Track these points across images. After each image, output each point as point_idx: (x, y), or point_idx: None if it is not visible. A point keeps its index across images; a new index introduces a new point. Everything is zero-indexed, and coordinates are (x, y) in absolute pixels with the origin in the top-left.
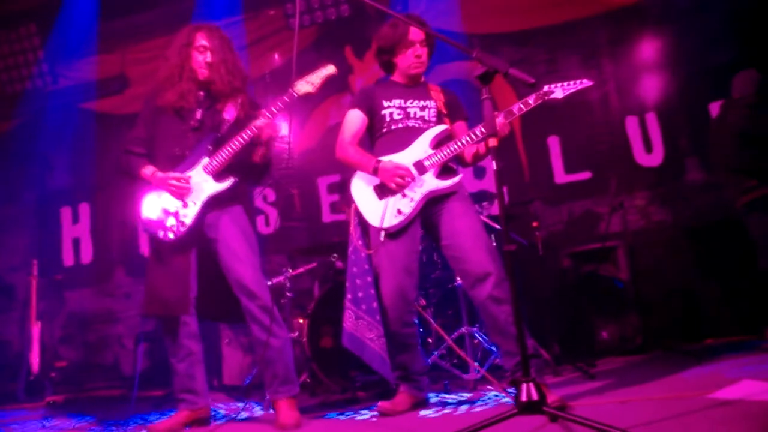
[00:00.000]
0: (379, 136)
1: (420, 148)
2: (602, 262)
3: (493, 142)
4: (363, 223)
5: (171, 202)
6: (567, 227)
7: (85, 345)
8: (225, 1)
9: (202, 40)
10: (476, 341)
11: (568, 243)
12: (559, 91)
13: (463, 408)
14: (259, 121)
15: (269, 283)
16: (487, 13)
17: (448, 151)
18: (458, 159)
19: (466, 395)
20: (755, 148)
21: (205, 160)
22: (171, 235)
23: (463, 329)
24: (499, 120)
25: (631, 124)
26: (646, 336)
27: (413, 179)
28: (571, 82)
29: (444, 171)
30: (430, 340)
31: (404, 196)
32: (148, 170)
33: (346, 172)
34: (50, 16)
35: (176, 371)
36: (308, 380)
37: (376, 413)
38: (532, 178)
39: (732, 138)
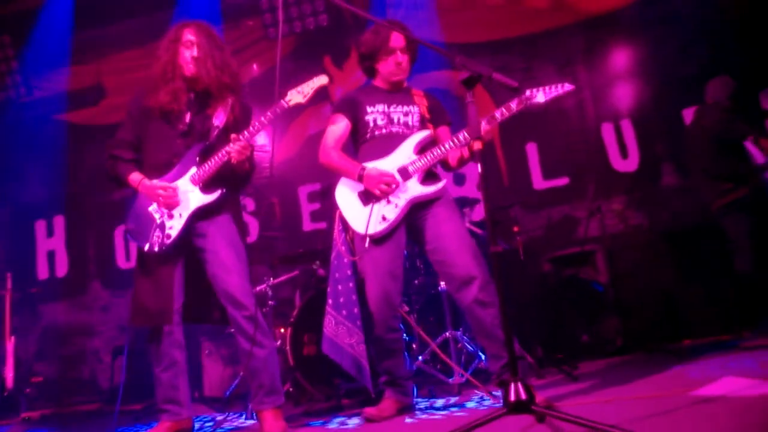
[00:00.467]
0: (362, 142)
1: (404, 154)
2: (582, 266)
3: (478, 145)
4: (347, 230)
5: (157, 213)
6: (546, 232)
7: (61, 359)
8: (204, 10)
9: (189, 36)
10: (460, 345)
11: (548, 248)
12: (540, 96)
13: (450, 412)
14: (230, 147)
15: None
16: (465, 22)
17: (432, 156)
18: (443, 164)
19: (451, 399)
20: (730, 152)
21: (193, 170)
22: (156, 249)
23: (447, 334)
24: (483, 125)
25: (607, 130)
26: (626, 338)
27: (398, 186)
28: (553, 87)
29: (428, 177)
30: (414, 346)
31: (389, 202)
32: (136, 177)
33: (328, 180)
34: (24, 26)
35: (159, 381)
36: (291, 389)
37: (361, 420)
38: (511, 184)
39: (707, 142)
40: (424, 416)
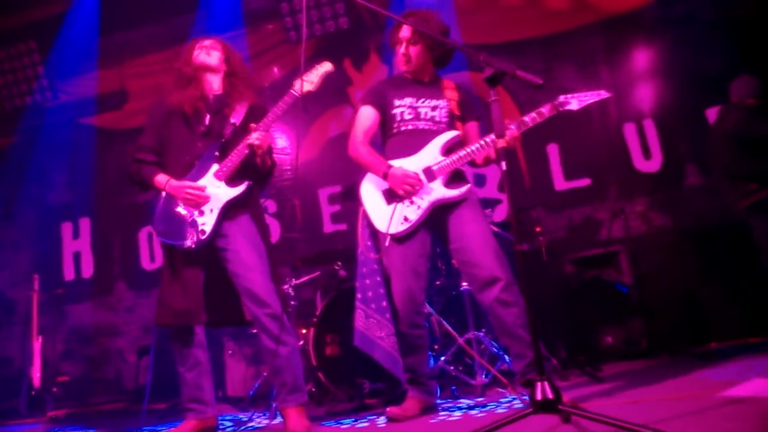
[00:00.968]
0: (389, 137)
1: (430, 154)
2: (605, 267)
3: (501, 143)
4: (371, 225)
5: (186, 212)
6: (569, 233)
7: (87, 359)
8: (225, 15)
9: (205, 42)
10: (483, 347)
11: (570, 249)
12: (575, 103)
13: (473, 412)
14: (250, 138)
15: None
16: (484, 23)
17: (458, 158)
18: (470, 161)
19: (475, 400)
20: (754, 152)
21: (215, 166)
22: (190, 244)
23: (469, 334)
24: (512, 130)
25: (629, 130)
26: (650, 340)
27: (422, 187)
28: (588, 93)
29: (453, 178)
30: (436, 347)
31: (412, 203)
32: (162, 179)
33: (348, 182)
34: (50, 32)
35: (185, 381)
36: (314, 390)
37: (385, 419)
38: (533, 185)
39: (731, 142)
40: (447, 416)
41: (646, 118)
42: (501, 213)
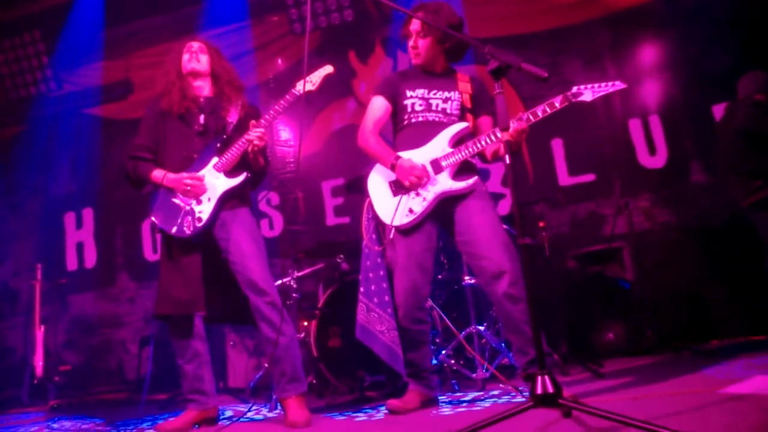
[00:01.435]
0: (400, 129)
1: (438, 146)
2: (608, 263)
3: (505, 136)
4: (376, 218)
5: (184, 200)
6: (572, 229)
7: (89, 349)
8: (230, 6)
9: (189, 43)
10: (484, 341)
11: (573, 245)
12: (588, 94)
13: (474, 406)
14: (250, 135)
15: (275, 283)
16: (490, 16)
17: (466, 151)
18: (479, 155)
19: (475, 394)
20: (760, 149)
21: (215, 159)
22: (187, 231)
23: (471, 329)
24: (522, 119)
25: (635, 126)
26: (652, 337)
27: (428, 179)
28: (602, 84)
29: (462, 170)
30: (437, 341)
31: (418, 194)
32: (159, 173)
33: (351, 175)
34: (55, 22)
35: (184, 373)
36: (315, 382)
37: (385, 412)
38: (537, 180)
39: (737, 138)
40: (448, 409)
41: (652, 114)
42: (504, 207)
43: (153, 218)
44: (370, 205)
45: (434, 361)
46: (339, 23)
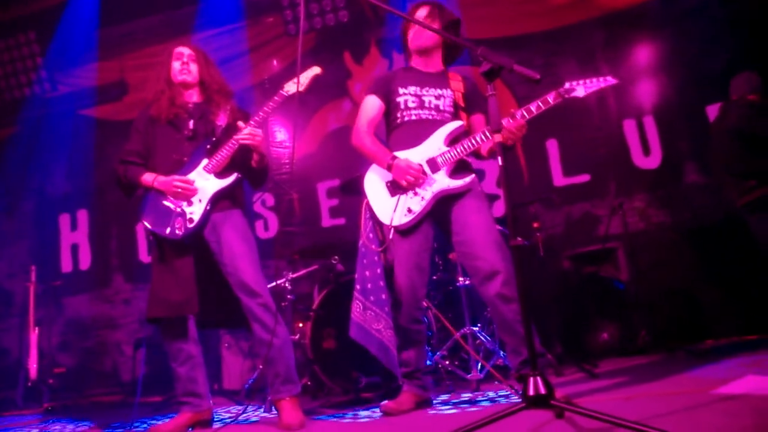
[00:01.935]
0: (393, 127)
1: (434, 145)
2: (602, 264)
3: (498, 138)
4: (374, 218)
5: (175, 202)
6: (567, 229)
7: (84, 351)
8: (225, 7)
9: (179, 49)
10: (478, 342)
11: (568, 245)
12: (580, 90)
13: (468, 407)
14: (241, 134)
15: (270, 285)
16: (485, 17)
17: (462, 149)
18: (474, 153)
19: (470, 395)
20: (754, 149)
21: (204, 161)
22: (178, 232)
23: (465, 329)
24: (517, 117)
25: (629, 127)
26: (646, 337)
27: (425, 178)
28: (594, 80)
29: (458, 169)
30: (432, 342)
31: (416, 194)
32: (149, 176)
33: (346, 176)
34: (50, 23)
35: (178, 375)
36: (309, 383)
37: (380, 413)
38: (532, 180)
39: (731, 139)
40: (442, 410)
41: (646, 114)
42: (499, 208)
43: (144, 222)
44: (368, 205)
45: (428, 362)
46: (334, 24)
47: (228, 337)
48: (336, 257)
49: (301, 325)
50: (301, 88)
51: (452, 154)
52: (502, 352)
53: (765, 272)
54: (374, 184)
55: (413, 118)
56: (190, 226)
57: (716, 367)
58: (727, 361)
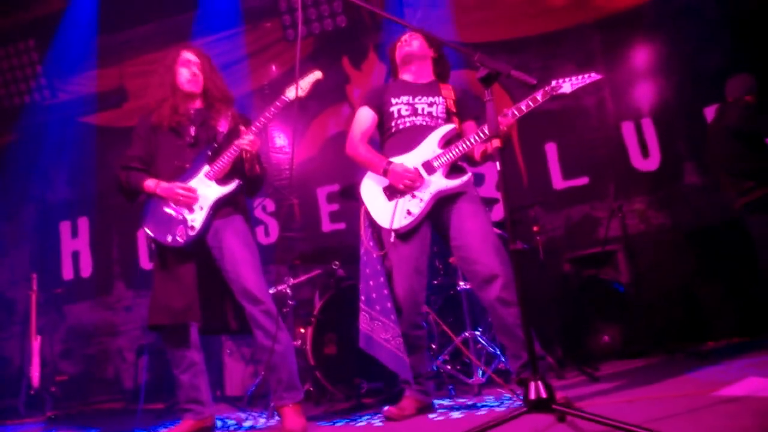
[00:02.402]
0: (388, 136)
1: (428, 148)
2: (602, 267)
3: (496, 143)
4: (373, 225)
5: (176, 210)
6: (566, 232)
7: (86, 359)
8: (223, 13)
9: (186, 56)
10: (479, 346)
11: (568, 248)
12: (567, 86)
13: (470, 411)
14: (241, 141)
15: (271, 291)
16: (483, 21)
17: (456, 150)
18: (468, 159)
19: (472, 399)
20: (752, 149)
21: (206, 168)
22: (180, 240)
23: (466, 334)
24: (508, 115)
25: (627, 129)
26: (647, 339)
27: (422, 181)
28: (579, 76)
29: (453, 170)
30: (433, 346)
31: (413, 197)
32: (151, 182)
33: (346, 181)
34: (49, 30)
35: (180, 383)
36: (312, 389)
37: (382, 419)
38: (531, 184)
39: (729, 139)
40: (444, 415)
41: (645, 116)
42: (499, 212)
43: (146, 229)
44: (367, 212)
45: (431, 368)
46: (332, 29)
47: (230, 343)
48: (337, 262)
49: (302, 330)
50: (302, 93)
51: (447, 155)
52: (503, 357)
53: (765, 273)
54: (371, 190)
55: (407, 125)
56: (192, 233)
57: (717, 368)
58: (727, 362)
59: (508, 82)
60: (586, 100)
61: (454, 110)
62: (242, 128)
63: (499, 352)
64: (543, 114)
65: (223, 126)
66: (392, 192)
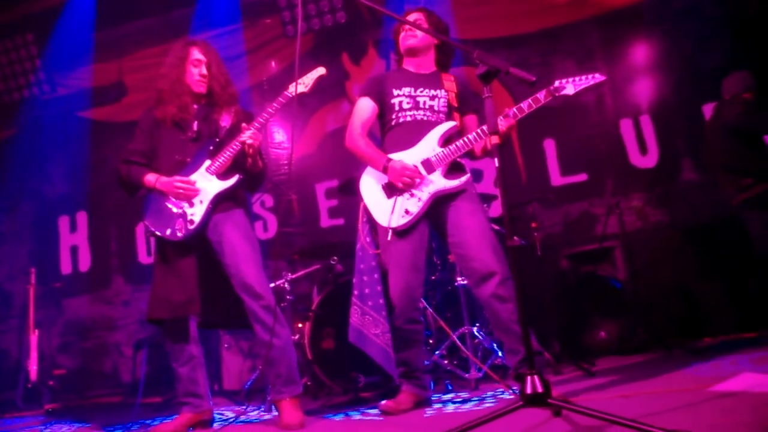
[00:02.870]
0: (388, 129)
1: (428, 146)
2: (600, 263)
3: (495, 140)
4: (371, 221)
5: (177, 204)
6: (564, 229)
7: (84, 352)
8: (223, 9)
9: (197, 54)
10: (476, 341)
11: (565, 244)
12: (570, 87)
13: (466, 406)
14: (243, 136)
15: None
16: (482, 17)
17: (456, 148)
18: (468, 153)
19: (468, 394)
20: (749, 147)
21: (207, 162)
22: (179, 234)
23: (464, 329)
24: (509, 116)
25: (626, 126)
26: (644, 335)
27: (421, 179)
28: (583, 77)
29: (453, 169)
30: (431, 341)
31: (412, 195)
32: (152, 176)
33: (345, 176)
34: (47, 25)
35: (179, 376)
36: (309, 383)
37: (379, 413)
38: (529, 180)
39: (727, 137)
40: (440, 410)
41: (643, 113)
42: (497, 208)
43: (146, 222)
44: (365, 208)
45: (426, 362)
46: (332, 25)
47: (228, 337)
48: (335, 257)
49: (300, 325)
50: (306, 89)
51: (446, 154)
52: (500, 352)
53: (762, 269)
54: (370, 186)
55: (408, 119)
56: (191, 227)
57: (714, 364)
58: (724, 358)
59: (508, 79)
60: (585, 97)
61: (456, 104)
62: (243, 125)
63: (496, 348)
64: (542, 110)
65: (225, 121)
66: (391, 189)
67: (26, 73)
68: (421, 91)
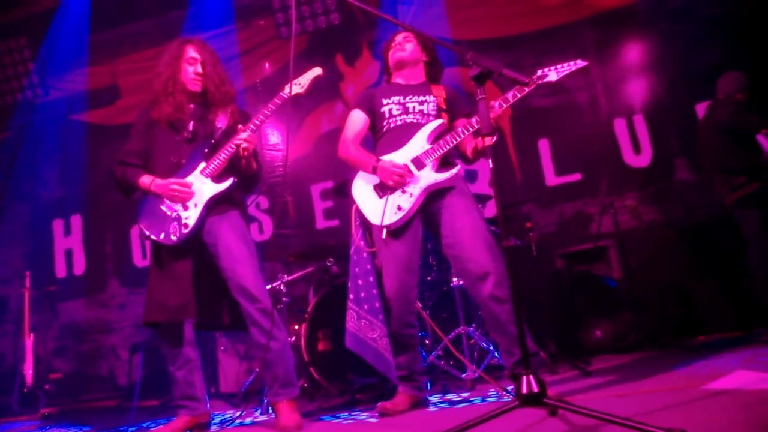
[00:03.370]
0: (380, 136)
1: (417, 144)
2: (595, 262)
3: (489, 141)
4: (364, 223)
5: (171, 207)
6: (559, 228)
7: (79, 356)
8: (216, 10)
9: (192, 53)
10: (472, 341)
11: (560, 244)
12: (553, 74)
13: (463, 406)
14: (239, 138)
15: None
16: (476, 18)
17: (445, 144)
18: (462, 157)
19: (465, 394)
20: (742, 146)
21: (202, 164)
22: (173, 237)
23: (459, 329)
24: (495, 107)
25: (620, 125)
26: (639, 334)
27: (411, 176)
28: (565, 64)
29: (443, 165)
30: (427, 342)
31: (404, 192)
32: (147, 179)
33: (340, 178)
34: (40, 28)
35: (175, 379)
36: (306, 385)
37: (376, 414)
38: (524, 180)
39: (719, 136)
40: (437, 410)
41: (637, 113)
42: (492, 209)
43: (140, 225)
44: (358, 210)
45: (423, 363)
46: (325, 27)
47: (224, 340)
48: (331, 259)
49: (296, 327)
50: (302, 90)
51: (436, 150)
52: (496, 352)
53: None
54: (362, 188)
55: (398, 123)
56: (185, 231)
57: (707, 362)
58: (718, 356)
59: (502, 80)
60: (578, 97)
61: (445, 107)
62: (239, 126)
63: (492, 348)
64: (536, 110)
65: (221, 122)
66: (382, 189)
67: (19, 76)
68: (410, 98)
